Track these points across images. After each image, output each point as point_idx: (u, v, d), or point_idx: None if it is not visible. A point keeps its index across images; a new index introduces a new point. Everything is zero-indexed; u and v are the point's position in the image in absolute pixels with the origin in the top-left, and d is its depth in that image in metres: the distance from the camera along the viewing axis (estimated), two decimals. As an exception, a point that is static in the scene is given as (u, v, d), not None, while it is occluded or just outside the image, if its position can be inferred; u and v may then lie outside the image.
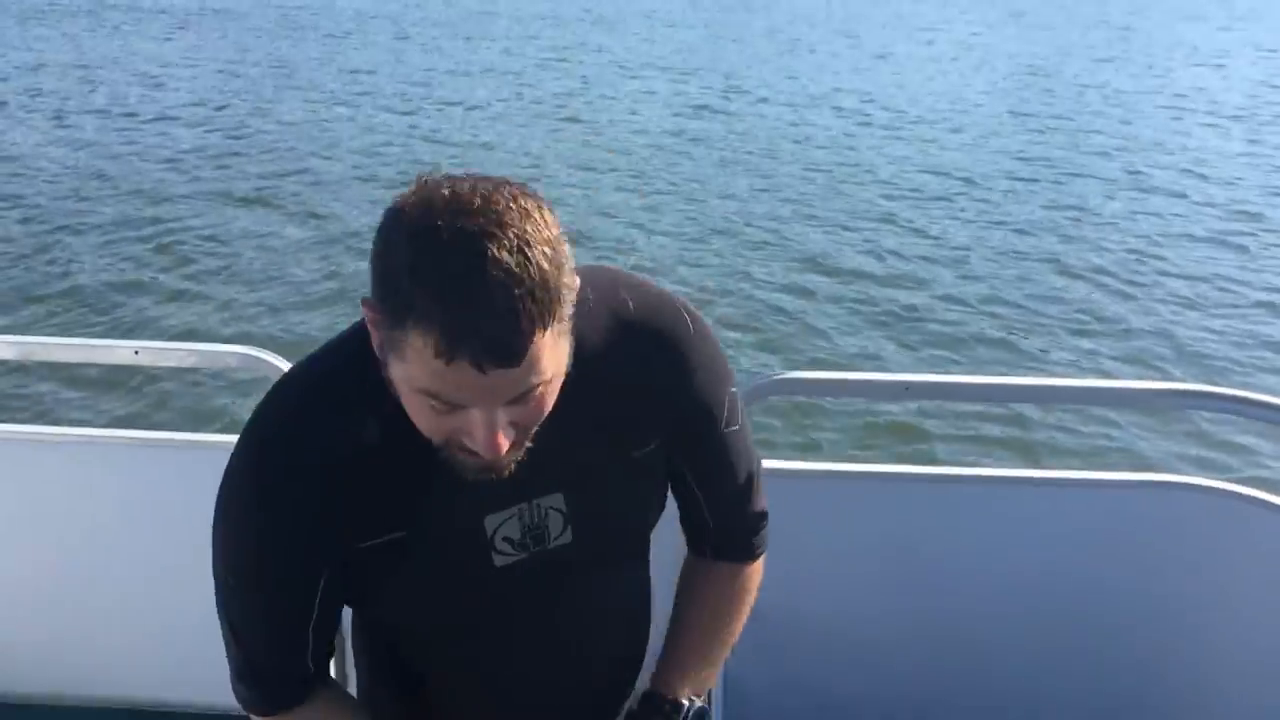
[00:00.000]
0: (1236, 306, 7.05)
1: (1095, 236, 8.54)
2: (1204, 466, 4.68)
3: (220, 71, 15.47)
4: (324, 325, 6.22)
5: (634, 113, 13.79)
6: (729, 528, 1.30)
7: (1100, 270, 7.67)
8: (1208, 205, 9.62)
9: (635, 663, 1.35)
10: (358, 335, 1.06)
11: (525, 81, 15.91)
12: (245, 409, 4.60)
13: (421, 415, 0.97)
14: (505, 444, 0.96)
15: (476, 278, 0.87)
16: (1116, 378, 5.57)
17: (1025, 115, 14.06)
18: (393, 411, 1.01)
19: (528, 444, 1.01)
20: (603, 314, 1.11)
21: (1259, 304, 7.10)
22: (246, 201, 8.98)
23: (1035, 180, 10.39)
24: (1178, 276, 7.60)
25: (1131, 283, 7.44)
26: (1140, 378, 5.57)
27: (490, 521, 1.11)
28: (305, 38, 19.96)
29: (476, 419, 0.95)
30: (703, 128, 12.82)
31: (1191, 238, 8.57)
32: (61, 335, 3.96)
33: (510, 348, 0.90)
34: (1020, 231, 8.61)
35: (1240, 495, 1.89)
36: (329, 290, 6.94)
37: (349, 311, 6.01)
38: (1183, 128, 13.32)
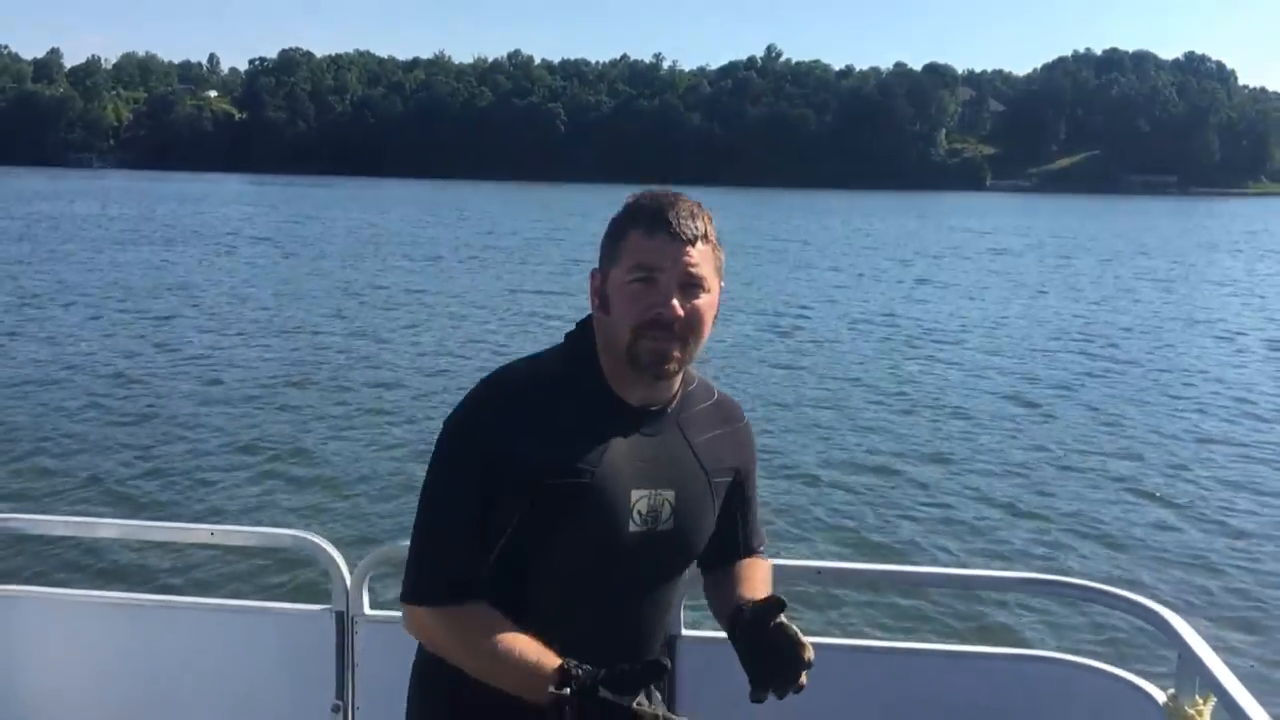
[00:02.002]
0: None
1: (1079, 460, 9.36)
2: (1074, 642, 5.36)
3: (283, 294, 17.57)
4: (384, 513, 7.08)
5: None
6: (753, 543, 1.78)
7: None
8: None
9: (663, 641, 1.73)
10: (563, 342, 1.60)
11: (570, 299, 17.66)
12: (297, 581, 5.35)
13: (628, 300, 1.46)
14: (680, 311, 1.45)
15: (670, 199, 1.50)
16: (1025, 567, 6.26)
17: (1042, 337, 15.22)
18: (587, 389, 1.52)
19: (685, 360, 1.50)
20: (707, 390, 1.68)
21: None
22: (309, 403, 10.39)
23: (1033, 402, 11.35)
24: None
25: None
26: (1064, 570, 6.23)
27: (635, 495, 1.52)
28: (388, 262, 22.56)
29: (664, 283, 1.46)
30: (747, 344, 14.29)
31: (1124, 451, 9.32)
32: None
33: (693, 228, 1.47)
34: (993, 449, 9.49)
35: (1095, 669, 2.14)
36: (384, 484, 7.76)
37: (407, 502, 6.20)
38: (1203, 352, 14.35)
